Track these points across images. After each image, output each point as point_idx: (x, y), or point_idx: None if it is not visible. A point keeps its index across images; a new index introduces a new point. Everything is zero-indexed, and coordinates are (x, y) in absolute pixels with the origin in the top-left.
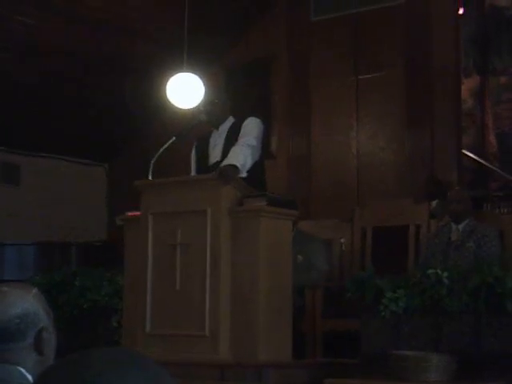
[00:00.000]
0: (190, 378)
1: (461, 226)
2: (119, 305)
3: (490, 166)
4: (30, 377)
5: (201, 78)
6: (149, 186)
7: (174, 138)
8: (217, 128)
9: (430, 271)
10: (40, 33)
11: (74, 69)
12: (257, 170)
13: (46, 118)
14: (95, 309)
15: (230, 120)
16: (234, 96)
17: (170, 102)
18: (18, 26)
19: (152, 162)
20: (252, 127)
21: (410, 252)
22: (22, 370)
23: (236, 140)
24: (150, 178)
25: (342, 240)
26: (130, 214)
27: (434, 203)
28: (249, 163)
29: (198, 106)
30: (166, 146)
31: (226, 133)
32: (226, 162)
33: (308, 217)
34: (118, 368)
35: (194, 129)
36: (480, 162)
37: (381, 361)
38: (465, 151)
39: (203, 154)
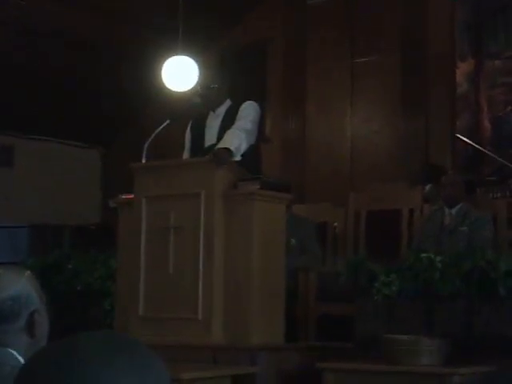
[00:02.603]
0: (182, 361)
1: (454, 210)
2: (112, 288)
3: (484, 150)
4: (21, 359)
5: (196, 61)
6: (142, 168)
7: (168, 120)
8: (213, 110)
9: (423, 255)
10: (34, 15)
11: (68, 52)
12: (252, 153)
13: (41, 99)
14: (88, 292)
15: (227, 103)
16: (229, 79)
17: (165, 85)
18: (11, 7)
19: (146, 145)
20: (249, 111)
21: (403, 236)
22: (14, 353)
23: (232, 123)
24: (143, 160)
25: (336, 224)
26: (123, 196)
27: (427, 187)
28: (243, 147)
29: (193, 89)
30: (159, 129)
31: (222, 116)
32: (220, 145)
33: (302, 200)
34: (106, 353)
35: (188, 112)
36: (474, 147)
37: (374, 344)
38: (459, 135)
39: (198, 135)
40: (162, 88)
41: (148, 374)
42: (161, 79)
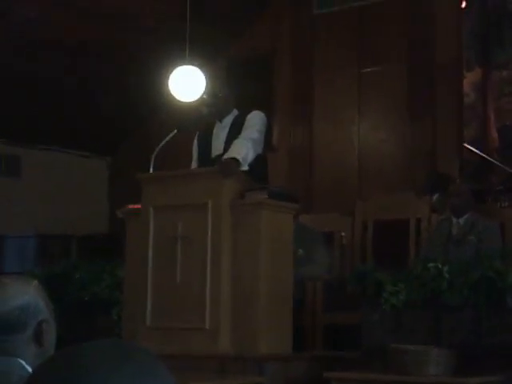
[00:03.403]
0: (190, 370)
1: (462, 220)
2: (119, 297)
3: (492, 159)
4: (29, 369)
5: (203, 70)
6: (150, 178)
7: (175, 130)
8: (220, 120)
9: (431, 265)
10: (40, 25)
11: (75, 61)
12: (259, 163)
13: (48, 110)
14: (95, 301)
15: (234, 113)
16: (236, 89)
17: (172, 95)
18: (19, 19)
19: (153, 155)
20: (255, 121)
21: (410, 246)
22: (22, 362)
23: (239, 133)
24: (151, 170)
25: (343, 233)
26: (130, 206)
27: (435, 197)
28: (250, 156)
29: (200, 99)
30: (167, 138)
31: (229, 126)
32: (227, 155)
33: (309, 210)
34: (113, 362)
35: (195, 122)
36: (481, 156)
37: (381, 354)
38: (466, 145)
39: (206, 145)
40: (169, 98)
41: (154, 381)
42: (168, 89)
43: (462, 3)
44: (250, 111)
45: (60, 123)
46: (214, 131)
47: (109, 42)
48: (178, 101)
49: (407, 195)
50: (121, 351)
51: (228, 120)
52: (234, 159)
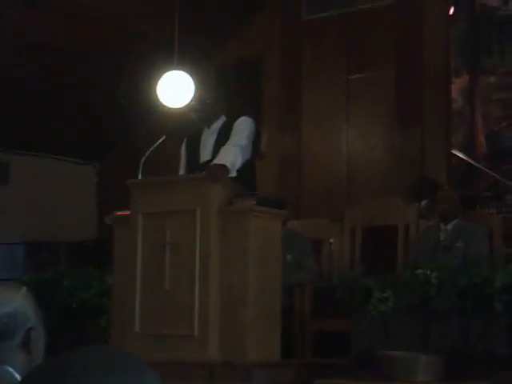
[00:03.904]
0: (178, 377)
1: (450, 226)
2: (108, 304)
3: (479, 165)
4: (18, 376)
5: (191, 76)
6: (138, 185)
7: (164, 136)
8: (208, 126)
9: (419, 271)
10: (29, 30)
11: (63, 67)
12: (247, 169)
13: (36, 116)
14: (84, 308)
15: (222, 119)
16: (225, 95)
17: (160, 101)
18: (8, 22)
19: (142, 161)
20: (244, 127)
21: (399, 252)
22: (11, 370)
23: (227, 139)
24: (139, 177)
25: (331, 240)
26: (119, 213)
27: (423, 203)
28: (239, 163)
29: (189, 105)
30: (155, 145)
31: (217, 132)
32: (215, 162)
33: (297, 216)
34: (103, 368)
35: (184, 127)
36: (469, 162)
37: (370, 361)
38: (454, 151)
39: (194, 152)
40: (157, 103)
41: None
42: (156, 95)
43: (449, 10)
44: (238, 117)
45: (48, 130)
46: (203, 137)
47: (96, 47)
48: (167, 107)
49: (395, 201)
50: (110, 358)
51: (216, 126)
52: (223, 165)
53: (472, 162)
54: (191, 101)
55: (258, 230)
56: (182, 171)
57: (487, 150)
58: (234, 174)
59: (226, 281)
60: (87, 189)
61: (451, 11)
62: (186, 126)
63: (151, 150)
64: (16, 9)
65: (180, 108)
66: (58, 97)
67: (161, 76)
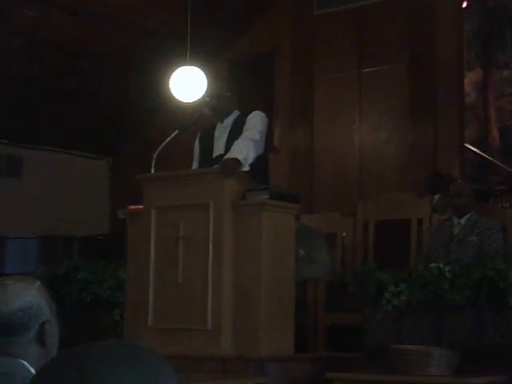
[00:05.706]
0: (192, 371)
1: (463, 220)
2: (121, 298)
3: (493, 159)
4: (33, 370)
5: (204, 71)
6: (151, 179)
7: (176, 131)
8: (221, 121)
9: (433, 265)
10: (41, 26)
11: (76, 62)
12: (260, 163)
13: (49, 111)
14: (97, 302)
15: (235, 113)
16: (237, 90)
17: (173, 96)
18: (20, 19)
19: (154, 155)
20: (256, 121)
21: (412, 246)
22: (25, 363)
23: (240, 133)
24: (152, 171)
25: (344, 234)
26: (132, 207)
27: (436, 197)
28: (251, 157)
29: (202, 99)
30: (168, 139)
31: (230, 126)
32: (228, 156)
33: (310, 211)
34: (118, 361)
35: (197, 122)
36: (482, 156)
37: (383, 355)
38: (467, 145)
39: (207, 146)
40: (170, 98)
41: (158, 380)
42: (169, 89)
43: (462, 3)
44: (250, 111)
45: (61, 124)
46: (216, 132)
47: (110, 42)
48: (179, 101)
49: (408, 195)
50: (124, 352)
51: (229, 120)
52: (236, 159)
53: (485, 155)
54: (204, 96)
55: (271, 224)
56: (195, 165)
57: (500, 144)
58: (246, 168)
59: (239, 275)
60: (100, 183)
61: (464, 4)
62: (199, 121)
63: (164, 144)
64: (26, 3)
65: (192, 102)
66: (71, 91)
67: (173, 71)
